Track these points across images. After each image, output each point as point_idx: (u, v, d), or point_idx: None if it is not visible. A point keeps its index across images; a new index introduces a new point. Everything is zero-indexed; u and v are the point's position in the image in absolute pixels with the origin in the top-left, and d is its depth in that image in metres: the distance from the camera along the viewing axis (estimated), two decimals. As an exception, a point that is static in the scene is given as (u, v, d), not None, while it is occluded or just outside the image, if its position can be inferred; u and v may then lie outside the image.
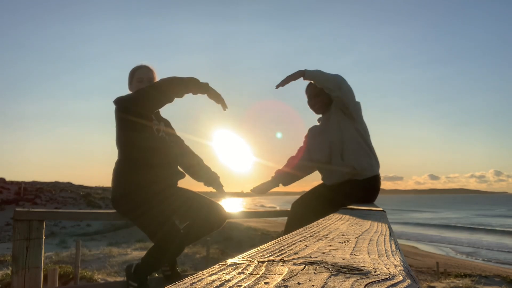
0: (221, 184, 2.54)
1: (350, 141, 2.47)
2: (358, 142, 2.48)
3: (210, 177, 2.52)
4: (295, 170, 2.75)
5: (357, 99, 2.53)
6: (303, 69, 2.44)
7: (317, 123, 2.75)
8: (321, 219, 1.21)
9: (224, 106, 2.30)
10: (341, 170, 2.47)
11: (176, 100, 2.22)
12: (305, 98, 2.69)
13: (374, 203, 2.53)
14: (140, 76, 2.35)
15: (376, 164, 2.55)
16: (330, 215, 1.46)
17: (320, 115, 2.73)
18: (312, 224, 1.06)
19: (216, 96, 2.27)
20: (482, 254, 21.66)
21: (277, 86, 2.44)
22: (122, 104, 2.19)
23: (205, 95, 2.26)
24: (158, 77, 2.41)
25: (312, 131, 2.74)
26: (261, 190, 2.76)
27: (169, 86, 2.15)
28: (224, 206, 2.35)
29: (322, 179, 2.69)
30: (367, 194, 2.50)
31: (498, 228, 34.74)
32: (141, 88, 2.19)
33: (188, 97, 2.23)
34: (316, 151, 2.62)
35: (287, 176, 2.76)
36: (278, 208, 3.39)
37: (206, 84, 2.24)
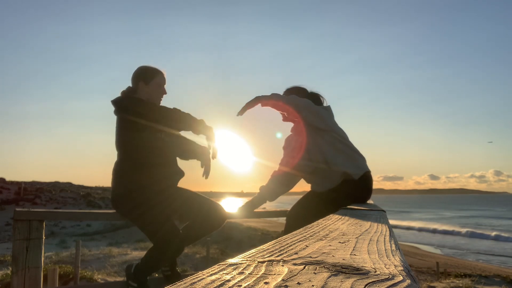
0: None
1: (330, 151, 2.49)
2: (338, 149, 2.49)
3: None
4: (294, 170, 2.74)
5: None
6: (260, 95, 2.47)
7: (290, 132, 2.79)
8: (321, 219, 1.21)
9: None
10: (338, 171, 2.48)
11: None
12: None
13: (374, 203, 2.53)
14: (160, 81, 2.36)
15: (363, 160, 2.58)
16: (330, 215, 1.46)
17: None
18: (312, 224, 1.06)
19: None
20: (482, 255, 21.66)
21: (238, 114, 2.49)
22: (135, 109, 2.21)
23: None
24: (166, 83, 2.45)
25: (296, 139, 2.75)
26: (251, 208, 2.67)
27: (192, 123, 2.28)
28: (224, 206, 2.36)
29: (314, 187, 2.67)
30: (366, 191, 2.52)
31: (498, 229, 34.74)
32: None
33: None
34: (316, 151, 2.61)
35: (272, 190, 2.73)
36: (276, 208, 3.40)
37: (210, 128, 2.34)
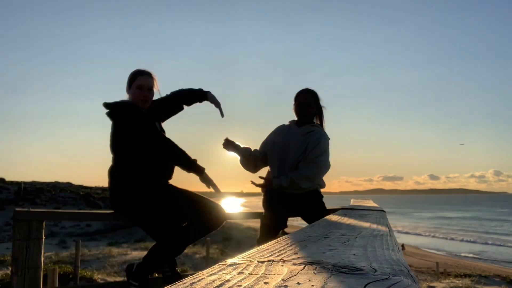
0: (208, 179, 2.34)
1: None
2: None
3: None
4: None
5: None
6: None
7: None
8: (321, 219, 1.21)
9: (222, 111, 2.30)
10: None
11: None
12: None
13: (374, 203, 2.54)
14: (140, 83, 2.27)
15: None
16: (330, 215, 1.46)
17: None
18: (312, 224, 1.06)
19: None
20: (482, 255, 21.67)
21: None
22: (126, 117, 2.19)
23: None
24: (159, 83, 2.38)
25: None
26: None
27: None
28: (224, 206, 2.36)
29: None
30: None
31: (497, 230, 34.76)
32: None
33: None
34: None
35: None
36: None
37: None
